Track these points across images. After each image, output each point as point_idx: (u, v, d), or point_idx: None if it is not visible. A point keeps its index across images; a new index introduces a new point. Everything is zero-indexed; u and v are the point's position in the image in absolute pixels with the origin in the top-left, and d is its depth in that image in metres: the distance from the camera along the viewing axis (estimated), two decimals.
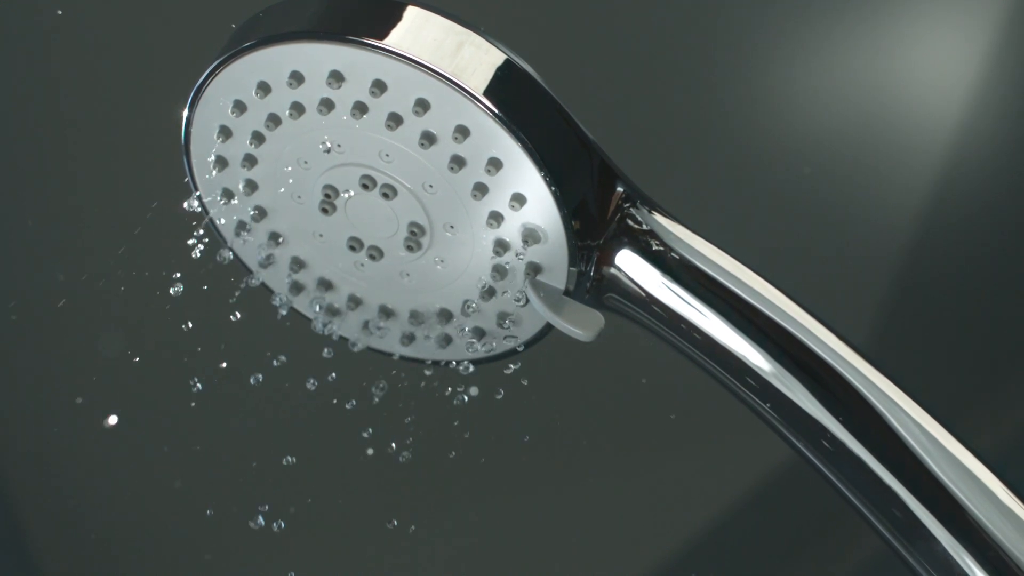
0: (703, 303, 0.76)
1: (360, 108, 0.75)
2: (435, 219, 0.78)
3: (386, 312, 0.83)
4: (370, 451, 1.21)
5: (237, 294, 0.85)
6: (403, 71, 0.74)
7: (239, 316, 0.86)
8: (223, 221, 0.83)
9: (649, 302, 0.77)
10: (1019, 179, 1.38)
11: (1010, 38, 1.36)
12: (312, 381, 0.91)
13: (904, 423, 0.73)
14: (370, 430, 0.94)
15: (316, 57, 0.75)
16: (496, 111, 0.73)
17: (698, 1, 1.39)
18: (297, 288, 0.84)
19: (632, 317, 0.79)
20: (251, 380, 0.91)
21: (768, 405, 0.75)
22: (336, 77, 0.75)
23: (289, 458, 1.20)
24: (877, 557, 1.32)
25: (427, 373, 0.85)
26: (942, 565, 0.71)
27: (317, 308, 0.84)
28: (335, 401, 0.92)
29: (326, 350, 0.87)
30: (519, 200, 0.75)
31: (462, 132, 0.74)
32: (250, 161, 0.79)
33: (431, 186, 0.77)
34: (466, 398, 0.85)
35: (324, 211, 0.80)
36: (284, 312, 0.84)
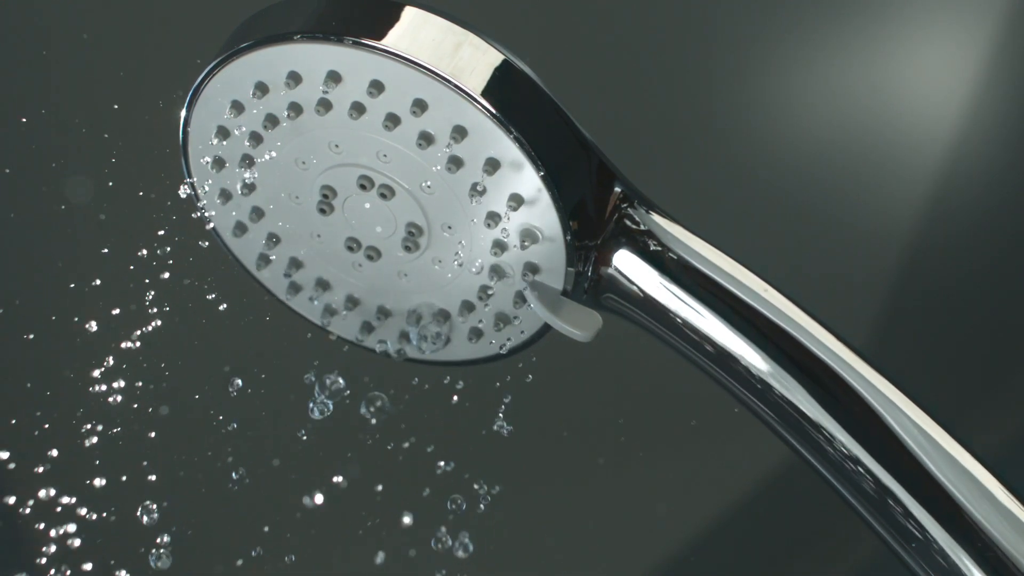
0: (701, 303, 0.76)
1: (358, 108, 0.75)
2: (433, 219, 0.78)
3: (384, 312, 0.83)
4: (369, 441, 1.22)
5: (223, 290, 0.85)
6: (401, 71, 0.73)
7: (226, 307, 0.86)
8: (221, 220, 0.83)
9: (647, 302, 0.77)
10: (1019, 180, 1.38)
11: (1007, 44, 1.36)
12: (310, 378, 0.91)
13: (903, 424, 0.73)
14: (369, 424, 0.94)
15: (314, 57, 0.74)
16: (494, 111, 0.73)
17: (696, 3, 1.38)
18: (296, 288, 0.84)
19: (630, 317, 0.79)
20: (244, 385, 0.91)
21: (766, 406, 0.75)
22: (334, 78, 0.75)
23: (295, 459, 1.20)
24: (877, 557, 1.32)
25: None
26: (940, 565, 0.71)
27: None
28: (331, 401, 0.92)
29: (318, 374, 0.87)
30: (517, 200, 0.75)
31: (460, 132, 0.74)
32: (248, 161, 0.79)
33: (429, 186, 0.77)
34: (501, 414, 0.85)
35: (322, 211, 0.80)
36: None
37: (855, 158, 1.37)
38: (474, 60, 0.74)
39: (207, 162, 0.80)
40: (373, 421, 0.87)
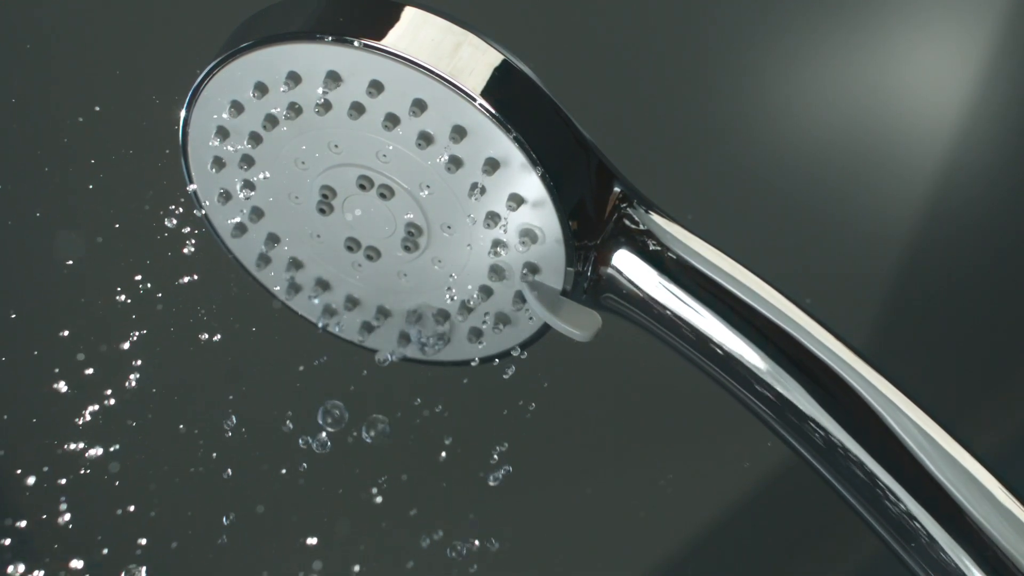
0: (700, 303, 0.76)
1: (357, 108, 0.75)
2: (432, 219, 0.78)
3: (384, 312, 0.83)
4: (371, 454, 1.21)
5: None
6: (400, 71, 0.73)
7: (235, 325, 0.86)
8: (222, 221, 0.83)
9: (646, 302, 0.77)
10: (1019, 180, 1.38)
11: (1007, 44, 1.36)
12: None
13: (903, 424, 0.73)
14: (368, 434, 0.94)
15: (313, 58, 0.74)
16: (493, 111, 0.73)
17: (696, 3, 1.38)
18: (296, 288, 0.84)
19: (629, 317, 0.79)
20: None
21: (766, 406, 0.75)
22: (333, 78, 0.75)
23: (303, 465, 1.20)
24: (877, 557, 1.32)
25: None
26: (941, 565, 0.71)
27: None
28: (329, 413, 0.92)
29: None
30: (516, 200, 0.75)
31: (459, 132, 0.74)
32: (247, 161, 0.79)
33: (428, 186, 0.77)
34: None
35: (321, 211, 0.80)
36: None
37: (855, 158, 1.37)
38: (473, 60, 0.74)
39: (207, 162, 0.80)
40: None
